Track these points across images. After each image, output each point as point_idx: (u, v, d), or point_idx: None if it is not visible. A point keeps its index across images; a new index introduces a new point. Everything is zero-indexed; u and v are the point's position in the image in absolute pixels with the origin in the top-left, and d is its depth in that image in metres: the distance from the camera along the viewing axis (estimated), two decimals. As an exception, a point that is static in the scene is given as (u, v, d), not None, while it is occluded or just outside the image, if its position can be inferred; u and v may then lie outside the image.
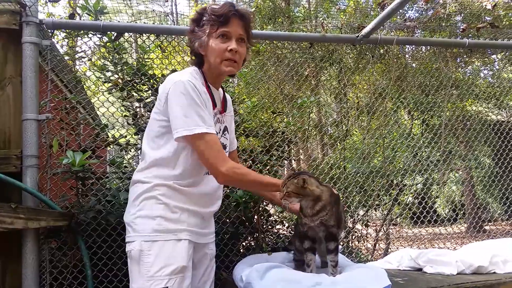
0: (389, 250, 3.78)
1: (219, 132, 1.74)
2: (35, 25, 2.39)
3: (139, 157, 2.65)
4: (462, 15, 4.22)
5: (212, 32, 1.62)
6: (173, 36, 2.89)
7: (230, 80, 3.28)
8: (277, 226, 3.10)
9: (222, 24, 1.61)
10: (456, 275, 2.10)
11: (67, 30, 2.76)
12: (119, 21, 3.05)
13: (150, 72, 2.84)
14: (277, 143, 3.12)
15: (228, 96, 1.90)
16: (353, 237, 3.46)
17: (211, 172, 1.60)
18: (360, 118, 4.03)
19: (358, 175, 3.44)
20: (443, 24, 3.93)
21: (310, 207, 1.78)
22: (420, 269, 2.28)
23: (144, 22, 3.39)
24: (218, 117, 1.73)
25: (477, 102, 4.46)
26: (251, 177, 1.65)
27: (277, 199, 2.00)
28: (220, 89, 1.83)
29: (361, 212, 3.69)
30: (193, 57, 1.75)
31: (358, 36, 3.13)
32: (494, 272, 2.15)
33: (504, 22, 4.29)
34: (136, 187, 1.62)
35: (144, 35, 2.83)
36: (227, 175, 1.55)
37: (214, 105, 1.70)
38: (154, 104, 1.73)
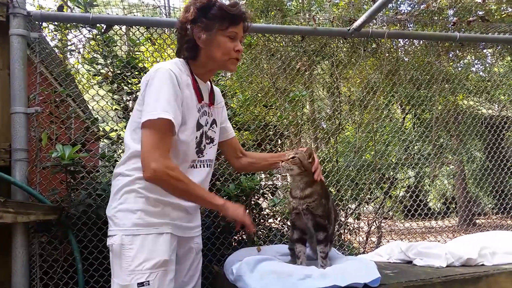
0: (381, 243, 3.81)
1: (206, 125, 1.73)
2: (23, 17, 2.36)
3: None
4: (454, 9, 4.23)
5: (222, 29, 1.61)
6: (164, 29, 2.87)
7: (222, 73, 3.26)
8: (269, 220, 3.10)
9: (232, 24, 1.62)
10: (446, 267, 2.11)
11: (57, 23, 2.73)
12: (108, 14, 3.01)
13: (140, 65, 2.82)
14: (269, 137, 3.12)
15: (216, 88, 1.88)
16: (345, 230, 3.48)
17: (142, 165, 1.47)
18: (353, 112, 4.04)
19: (350, 168, 3.45)
20: (435, 18, 3.93)
21: (300, 189, 1.82)
22: (410, 262, 2.29)
23: (134, 15, 3.36)
24: (205, 109, 1.72)
25: (469, 96, 4.48)
26: (183, 185, 1.51)
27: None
28: (208, 82, 1.81)
29: (353, 206, 3.71)
30: (184, 46, 1.67)
31: (349, 29, 3.13)
32: (483, 264, 2.17)
33: (495, 16, 4.31)
34: (118, 180, 1.60)
35: (134, 27, 2.80)
36: (155, 172, 1.44)
37: (201, 98, 1.68)
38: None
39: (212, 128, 1.77)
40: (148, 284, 1.46)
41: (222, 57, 1.64)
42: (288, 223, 2.80)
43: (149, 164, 1.43)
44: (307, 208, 1.81)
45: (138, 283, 1.46)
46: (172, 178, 1.47)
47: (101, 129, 2.82)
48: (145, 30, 2.81)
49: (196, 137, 1.65)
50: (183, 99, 1.57)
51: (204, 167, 1.72)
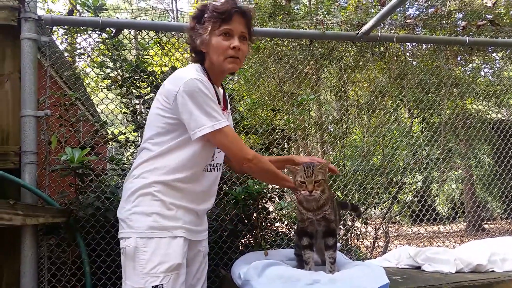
0: (388, 248, 3.78)
1: None
2: (34, 21, 2.39)
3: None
4: (463, 12, 4.21)
5: (214, 29, 1.62)
6: (173, 33, 2.88)
7: (230, 77, 3.27)
8: (276, 224, 3.10)
9: (224, 22, 1.61)
10: (455, 273, 2.09)
11: (66, 27, 2.75)
12: (118, 18, 3.04)
13: (149, 69, 2.84)
14: (276, 141, 3.11)
15: (226, 94, 1.90)
16: (352, 235, 3.46)
17: (238, 161, 1.64)
18: (360, 116, 4.02)
19: (358, 173, 3.44)
20: (444, 22, 3.91)
21: (316, 200, 1.78)
22: (418, 267, 2.27)
23: (143, 19, 3.39)
24: None
25: (478, 101, 4.45)
26: (271, 167, 1.72)
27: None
28: (220, 86, 1.82)
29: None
30: (193, 55, 1.74)
31: (358, 33, 3.12)
32: (493, 271, 2.14)
33: (504, 20, 4.28)
34: (132, 183, 1.61)
35: (143, 31, 2.82)
36: (253, 162, 1.62)
37: (218, 103, 1.70)
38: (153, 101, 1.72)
39: None
40: (162, 287, 1.47)
41: (219, 57, 1.64)
42: (295, 227, 2.79)
43: (246, 158, 1.61)
44: (323, 216, 1.80)
45: (152, 286, 1.47)
46: (262, 163, 1.68)
47: (109, 132, 2.83)
48: (154, 34, 2.83)
49: None
50: None
51: (214, 170, 1.74)
